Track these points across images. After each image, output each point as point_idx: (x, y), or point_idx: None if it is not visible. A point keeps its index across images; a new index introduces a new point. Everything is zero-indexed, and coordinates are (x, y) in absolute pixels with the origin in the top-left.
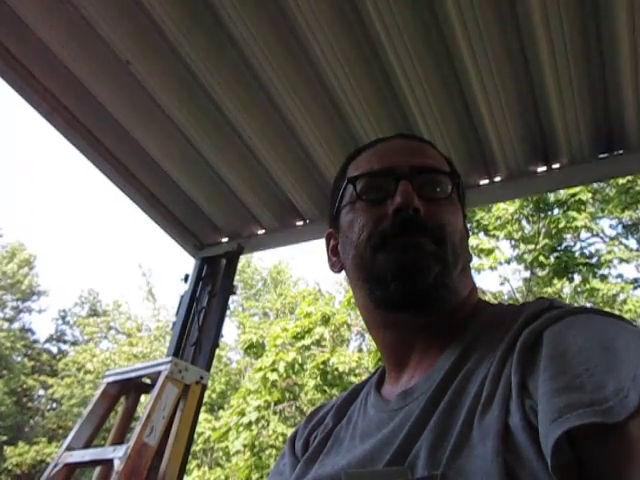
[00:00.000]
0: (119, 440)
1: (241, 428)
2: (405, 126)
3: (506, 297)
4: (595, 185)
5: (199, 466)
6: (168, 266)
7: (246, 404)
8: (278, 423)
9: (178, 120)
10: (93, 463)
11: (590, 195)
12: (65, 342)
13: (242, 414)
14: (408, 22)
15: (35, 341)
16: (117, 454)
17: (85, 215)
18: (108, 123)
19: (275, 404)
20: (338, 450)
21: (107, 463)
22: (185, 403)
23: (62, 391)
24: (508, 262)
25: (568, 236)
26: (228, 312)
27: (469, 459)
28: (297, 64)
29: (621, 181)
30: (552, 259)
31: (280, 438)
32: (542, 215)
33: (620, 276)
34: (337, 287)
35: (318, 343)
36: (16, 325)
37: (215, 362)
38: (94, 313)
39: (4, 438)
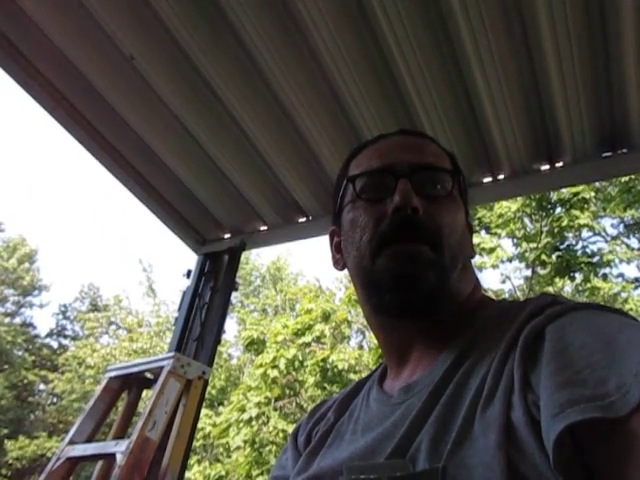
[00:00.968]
0: (121, 435)
1: (241, 424)
2: (409, 123)
3: (507, 295)
4: (597, 184)
5: (199, 461)
6: (168, 262)
7: (246, 400)
8: (278, 419)
9: (181, 115)
10: (95, 457)
11: (593, 194)
12: (66, 337)
13: (242, 410)
14: (412, 18)
15: (36, 336)
16: (119, 448)
17: (87, 210)
18: (111, 117)
19: (275, 400)
20: (340, 443)
21: (109, 457)
22: (187, 398)
23: (62, 386)
24: (510, 260)
25: (570, 235)
26: (229, 308)
27: (470, 452)
28: (301, 60)
29: (623, 180)
30: (554, 258)
31: (280, 434)
32: (544, 213)
33: (621, 275)
34: (337, 284)
35: (318, 340)
36: (17, 320)
37: (215, 358)
38: (95, 308)
39: (5, 432)
